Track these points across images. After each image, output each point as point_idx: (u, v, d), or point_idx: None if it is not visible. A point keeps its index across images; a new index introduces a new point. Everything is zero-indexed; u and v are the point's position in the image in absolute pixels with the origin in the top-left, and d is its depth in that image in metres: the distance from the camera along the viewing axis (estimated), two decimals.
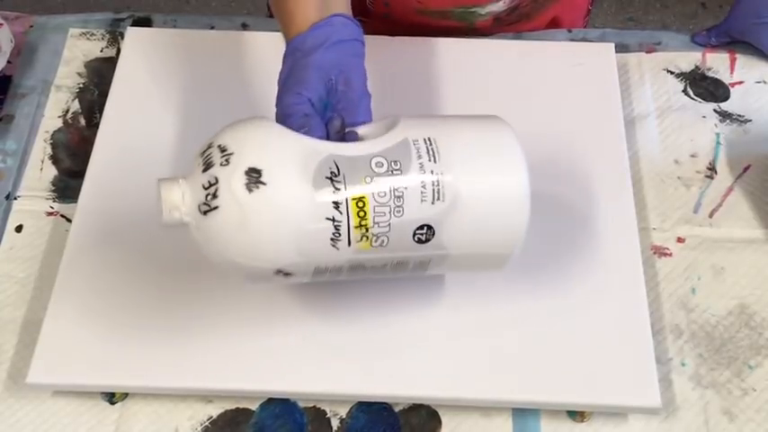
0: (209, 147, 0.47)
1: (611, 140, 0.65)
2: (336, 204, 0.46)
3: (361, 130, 0.50)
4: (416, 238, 0.48)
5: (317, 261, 0.47)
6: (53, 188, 0.66)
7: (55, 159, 0.68)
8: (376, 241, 0.47)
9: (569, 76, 0.69)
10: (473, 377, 0.55)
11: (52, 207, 0.65)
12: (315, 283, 0.50)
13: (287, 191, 0.45)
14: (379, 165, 0.47)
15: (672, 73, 0.72)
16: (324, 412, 0.56)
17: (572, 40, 0.74)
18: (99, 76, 0.72)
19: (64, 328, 0.57)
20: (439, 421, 0.56)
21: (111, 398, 0.57)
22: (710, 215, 0.64)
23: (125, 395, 0.57)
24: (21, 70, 0.73)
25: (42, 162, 0.68)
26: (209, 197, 0.45)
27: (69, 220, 0.64)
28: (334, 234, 0.46)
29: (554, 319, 0.57)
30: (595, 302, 0.58)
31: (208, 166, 0.46)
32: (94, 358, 0.56)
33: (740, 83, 0.71)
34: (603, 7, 1.75)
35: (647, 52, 0.73)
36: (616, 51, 0.71)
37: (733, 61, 0.72)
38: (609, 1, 1.76)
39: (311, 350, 0.56)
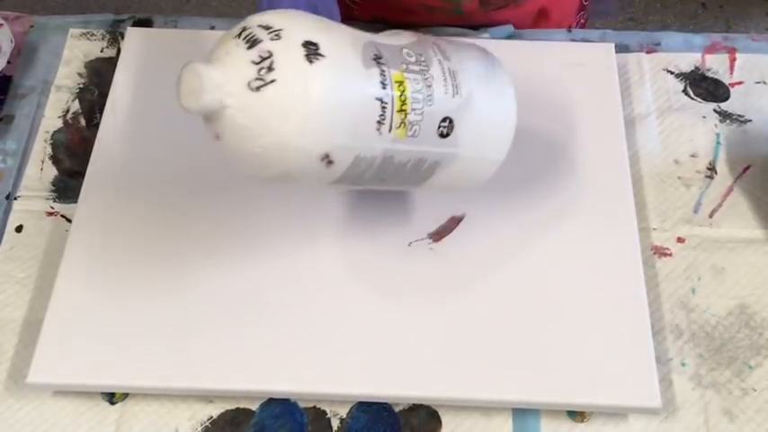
0: (245, 29, 0.45)
1: (611, 140, 0.65)
2: (384, 84, 0.46)
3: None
4: (440, 131, 0.49)
5: (360, 146, 0.47)
6: (53, 188, 0.66)
7: (55, 159, 0.68)
8: (410, 129, 0.47)
9: (569, 76, 0.69)
10: (473, 377, 0.55)
11: (52, 207, 0.65)
12: (338, 185, 0.49)
13: (345, 65, 0.45)
14: (410, 55, 0.48)
15: (672, 73, 0.72)
16: (324, 412, 0.56)
17: (572, 40, 0.74)
18: (99, 77, 0.72)
19: (64, 328, 0.57)
20: (439, 421, 0.56)
21: (111, 398, 0.57)
22: (710, 215, 0.64)
23: (125, 395, 0.57)
24: (21, 70, 0.73)
25: (42, 162, 0.68)
26: (262, 71, 0.43)
27: (69, 220, 0.64)
28: (380, 116, 0.46)
29: (554, 318, 0.57)
30: (595, 302, 0.58)
31: (253, 42, 0.44)
32: (94, 358, 0.56)
33: (740, 83, 0.71)
34: None
35: (647, 53, 0.73)
36: (616, 51, 0.71)
37: (733, 61, 0.72)
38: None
39: (311, 350, 0.56)
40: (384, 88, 0.46)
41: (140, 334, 0.57)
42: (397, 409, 0.56)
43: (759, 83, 0.71)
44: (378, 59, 0.46)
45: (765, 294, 0.61)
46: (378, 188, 0.52)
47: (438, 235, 0.61)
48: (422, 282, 0.59)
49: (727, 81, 0.71)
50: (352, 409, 0.56)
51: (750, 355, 0.58)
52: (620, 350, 0.56)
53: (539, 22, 0.79)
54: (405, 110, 0.47)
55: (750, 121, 0.69)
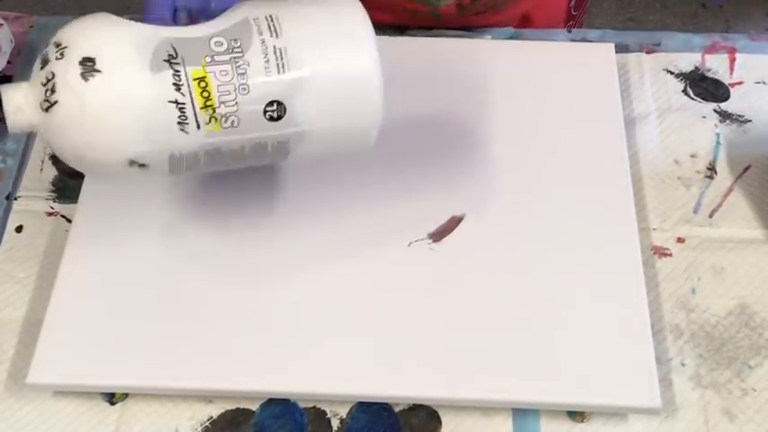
0: (48, 45, 0.47)
1: (611, 140, 0.65)
2: (177, 86, 0.46)
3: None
4: (268, 116, 0.48)
5: (169, 148, 0.47)
6: (53, 188, 0.66)
7: (55, 160, 0.68)
8: (226, 122, 0.47)
9: (569, 76, 0.69)
10: (473, 377, 0.55)
11: (52, 207, 0.65)
12: (177, 175, 0.50)
13: (123, 76, 0.46)
14: (219, 44, 0.47)
15: (672, 73, 0.72)
16: (324, 412, 0.56)
17: (572, 40, 0.74)
18: None
19: (64, 328, 0.57)
20: (439, 421, 0.56)
21: (111, 398, 0.57)
22: (710, 215, 0.64)
23: (125, 395, 0.57)
24: (21, 70, 0.73)
25: (42, 162, 0.68)
26: (47, 93, 0.45)
27: (69, 221, 0.64)
28: (180, 117, 0.46)
29: (554, 318, 0.57)
30: (595, 302, 0.58)
31: (44, 63, 0.46)
32: (94, 358, 0.56)
33: (740, 83, 0.71)
34: (603, 7, 1.75)
35: (647, 53, 0.73)
36: (616, 51, 0.71)
37: (732, 62, 0.72)
38: (609, 1, 1.76)
39: (312, 350, 0.56)
40: (179, 89, 0.46)
41: (140, 334, 0.57)
42: (397, 409, 0.56)
43: (759, 83, 0.71)
44: (171, 60, 0.46)
45: (765, 294, 0.61)
46: (240, 167, 0.51)
47: (438, 235, 0.61)
48: (422, 282, 0.59)
49: (727, 81, 0.72)
50: (352, 409, 0.56)
51: (750, 355, 0.58)
52: (620, 350, 0.56)
53: (522, 28, 0.78)
54: (211, 105, 0.46)
55: (750, 121, 0.69)
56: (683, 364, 0.58)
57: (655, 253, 0.63)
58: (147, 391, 0.56)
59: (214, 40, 0.47)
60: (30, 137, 0.69)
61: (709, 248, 0.63)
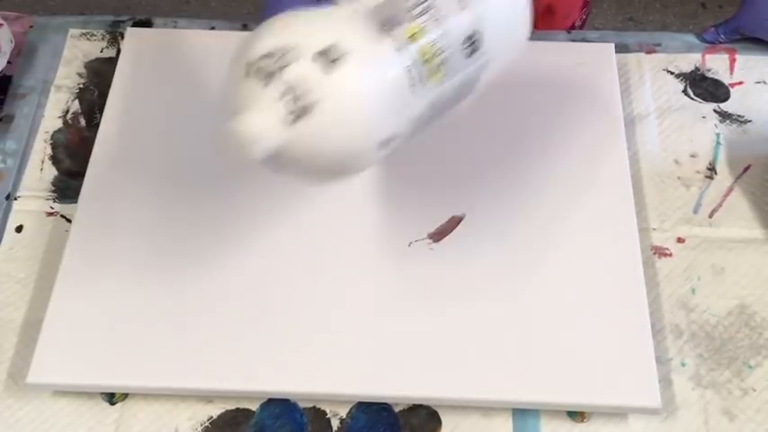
0: (250, 66, 0.43)
1: (611, 140, 0.65)
2: (399, 50, 0.44)
3: None
4: (467, 52, 0.47)
5: (406, 114, 0.46)
6: (53, 188, 0.66)
7: (55, 159, 0.68)
8: (440, 71, 0.46)
9: (569, 76, 0.69)
10: (473, 377, 0.55)
11: (52, 207, 0.65)
12: (396, 148, 0.48)
13: (359, 57, 0.43)
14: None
15: (672, 73, 0.72)
16: (324, 412, 0.56)
17: (572, 40, 0.74)
18: (99, 77, 0.72)
19: (64, 328, 0.57)
20: (439, 421, 0.56)
21: (111, 398, 0.57)
22: (710, 215, 0.64)
23: (125, 395, 0.57)
24: (21, 70, 0.73)
25: (42, 162, 0.68)
26: (292, 103, 0.42)
27: (69, 221, 0.64)
28: (410, 80, 0.45)
29: (554, 318, 0.57)
30: (595, 302, 0.58)
31: (267, 78, 0.42)
32: (94, 358, 0.56)
33: (740, 83, 0.71)
34: (603, 7, 1.75)
35: (646, 53, 0.73)
36: (616, 51, 0.71)
37: (733, 62, 0.72)
38: (609, 1, 1.76)
39: (311, 350, 0.56)
40: (401, 53, 0.44)
41: (140, 334, 0.57)
42: (396, 409, 0.56)
43: (759, 83, 0.71)
44: (382, 26, 0.44)
45: (765, 294, 0.61)
46: (437, 123, 0.50)
47: (438, 235, 0.61)
48: (422, 282, 0.59)
49: (727, 81, 0.72)
50: (351, 409, 0.56)
51: (750, 355, 0.58)
52: (620, 350, 0.56)
53: (545, 17, 0.79)
54: (427, 57, 0.45)
55: (750, 121, 0.69)
56: (683, 364, 0.58)
57: (655, 253, 0.63)
58: (147, 391, 0.56)
59: None
60: (30, 137, 0.69)
61: (709, 248, 0.63)
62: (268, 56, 0.42)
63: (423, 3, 0.46)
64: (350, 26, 0.44)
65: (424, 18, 0.45)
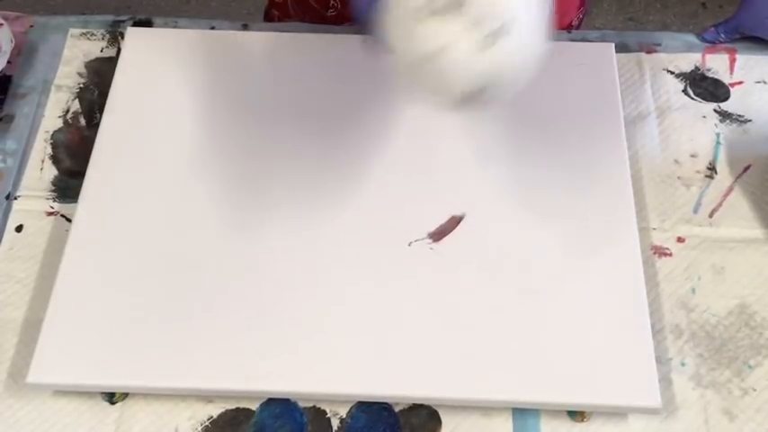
0: (420, 10, 0.43)
1: (611, 140, 0.65)
2: None
3: None
4: None
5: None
6: (53, 188, 0.66)
7: (55, 159, 0.68)
8: None
9: (569, 76, 0.69)
10: (473, 377, 0.55)
11: (52, 207, 0.65)
12: None
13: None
14: None
15: (672, 73, 0.72)
16: (324, 412, 0.56)
17: (572, 40, 0.74)
18: (99, 76, 0.72)
19: (64, 328, 0.57)
20: (439, 421, 0.56)
21: (112, 398, 0.57)
22: (710, 215, 0.64)
23: (125, 395, 0.57)
24: (21, 70, 0.73)
25: (42, 162, 0.68)
26: (486, 27, 0.42)
27: (69, 220, 0.64)
28: None
29: (554, 318, 0.57)
30: (595, 302, 0.58)
31: (452, 11, 0.42)
32: (94, 358, 0.56)
33: (740, 83, 0.71)
34: (603, 7, 1.75)
35: (647, 53, 0.73)
36: (616, 51, 0.71)
37: (733, 61, 0.72)
38: (609, 1, 1.76)
39: (311, 350, 0.56)
40: None
41: (140, 334, 0.57)
42: (397, 409, 0.56)
43: (759, 83, 0.71)
44: None
45: (765, 294, 0.61)
46: None
47: (438, 235, 0.61)
48: (422, 282, 0.59)
49: (727, 81, 0.71)
50: (352, 409, 0.56)
51: (750, 355, 0.58)
52: (620, 350, 0.56)
53: None
54: None
55: (750, 121, 0.69)
56: (682, 364, 0.58)
57: (655, 253, 0.63)
58: (147, 390, 0.56)
59: None
60: (30, 136, 0.69)
61: (709, 248, 0.63)
62: None
63: None
64: None
65: None
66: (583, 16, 0.87)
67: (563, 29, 0.81)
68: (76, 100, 0.71)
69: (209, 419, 0.56)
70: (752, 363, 0.58)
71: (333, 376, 0.55)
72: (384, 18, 0.45)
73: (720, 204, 0.65)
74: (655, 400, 0.54)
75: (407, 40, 0.44)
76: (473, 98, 0.45)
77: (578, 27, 0.87)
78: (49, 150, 0.68)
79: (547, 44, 0.46)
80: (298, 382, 0.55)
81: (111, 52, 0.74)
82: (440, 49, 0.42)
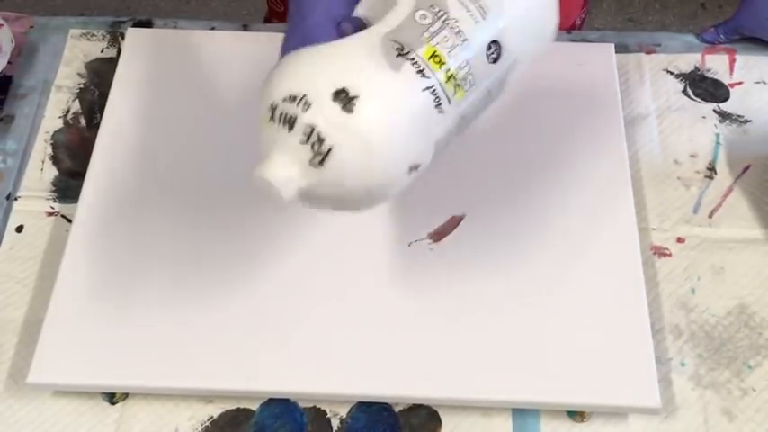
0: (274, 109, 0.43)
1: (611, 140, 0.65)
2: (421, 72, 0.44)
3: (359, 10, 0.48)
4: (491, 59, 0.47)
5: (434, 136, 0.46)
6: (53, 188, 0.66)
7: (55, 159, 0.68)
8: (465, 84, 0.46)
9: (569, 76, 0.69)
10: (473, 377, 0.55)
11: (52, 207, 0.65)
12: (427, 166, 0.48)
13: (380, 90, 0.43)
14: (424, 17, 0.45)
15: (671, 73, 0.72)
16: (324, 412, 0.56)
17: (572, 40, 0.74)
18: (99, 77, 0.72)
19: (64, 328, 0.57)
20: (439, 421, 0.56)
21: (112, 398, 0.57)
22: (710, 215, 0.65)
23: (125, 395, 0.57)
24: (21, 70, 0.73)
25: (43, 162, 0.68)
26: (314, 146, 0.42)
27: (70, 221, 0.64)
28: (435, 101, 0.44)
29: (554, 318, 0.57)
30: (595, 302, 0.58)
31: (291, 123, 0.42)
32: (95, 358, 0.56)
33: (740, 83, 0.71)
34: (603, 7, 1.75)
35: (646, 53, 0.73)
36: (616, 51, 0.71)
37: (732, 62, 0.73)
38: (609, 1, 1.76)
39: (311, 350, 0.56)
40: (423, 75, 0.44)
41: (140, 334, 0.57)
42: (397, 409, 0.56)
43: (759, 83, 0.71)
44: (401, 52, 0.44)
45: (765, 294, 0.61)
46: (466, 129, 0.50)
47: (438, 235, 0.61)
48: (422, 282, 0.59)
49: (726, 81, 0.72)
50: (352, 409, 0.57)
51: (749, 355, 0.58)
52: (620, 350, 0.56)
53: None
54: (451, 74, 0.45)
55: (750, 121, 0.69)
56: (682, 364, 0.58)
57: (654, 253, 0.63)
58: (147, 391, 0.56)
59: (417, 15, 0.45)
60: (30, 137, 0.69)
61: (708, 248, 0.63)
62: (289, 99, 0.42)
63: (439, 19, 0.45)
64: (366, 58, 0.44)
65: (442, 35, 0.45)
66: (585, 17, 0.88)
67: (565, 30, 0.81)
68: (77, 100, 0.71)
69: (209, 419, 0.56)
70: (751, 363, 0.58)
71: (333, 376, 0.55)
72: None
73: (720, 205, 0.65)
74: (654, 400, 0.54)
75: (259, 132, 0.45)
76: (307, 205, 0.46)
77: (580, 27, 0.87)
78: (50, 151, 0.68)
79: (409, 175, 0.45)
80: (298, 382, 0.55)
81: (111, 53, 0.74)
82: (267, 155, 0.43)
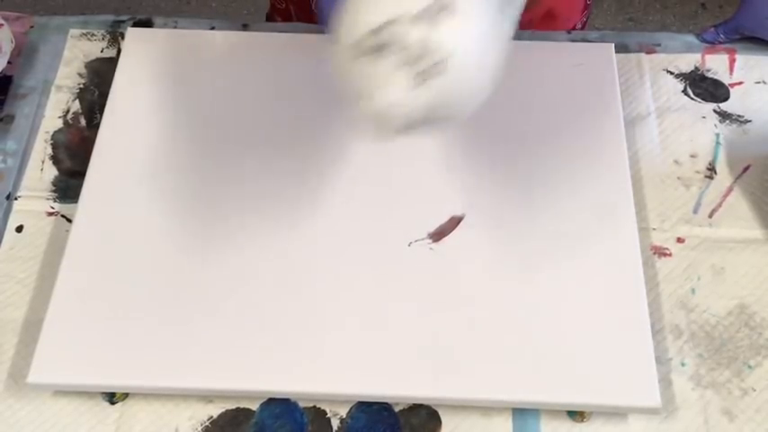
0: (357, 46, 0.43)
1: (611, 140, 0.65)
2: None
3: None
4: None
5: (503, 37, 0.46)
6: (53, 188, 0.66)
7: (55, 159, 0.68)
8: None
9: (569, 76, 0.69)
10: (473, 377, 0.55)
11: (53, 207, 0.65)
12: None
13: (472, 11, 0.43)
14: None
15: (671, 73, 0.72)
16: (324, 412, 0.56)
17: (572, 40, 0.74)
18: (99, 77, 0.72)
19: (64, 328, 0.57)
20: (439, 421, 0.56)
21: (112, 398, 0.57)
22: (710, 215, 0.65)
23: (125, 395, 0.57)
24: (21, 70, 0.73)
25: (43, 162, 0.68)
26: (414, 67, 0.42)
27: (69, 221, 0.64)
28: (500, 2, 0.45)
29: (554, 318, 0.57)
30: (595, 302, 0.58)
31: (382, 52, 0.42)
32: (95, 358, 0.56)
33: (740, 83, 0.71)
34: (603, 7, 1.75)
35: (646, 53, 0.73)
36: (616, 51, 0.71)
37: (732, 62, 0.73)
38: (609, 1, 1.76)
39: (311, 350, 0.56)
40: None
41: (141, 334, 0.57)
42: (397, 409, 0.56)
43: (759, 83, 0.71)
44: None
45: (765, 294, 0.61)
46: None
47: (438, 235, 0.61)
48: (422, 282, 0.59)
49: (726, 81, 0.72)
50: (352, 409, 0.57)
51: (750, 355, 0.58)
52: (620, 350, 0.56)
53: (546, 22, 0.79)
54: None
55: (750, 121, 0.69)
56: (682, 364, 0.58)
57: (655, 253, 0.63)
58: (147, 391, 0.57)
59: None
60: (30, 137, 0.69)
61: (708, 248, 0.63)
62: (373, 32, 0.42)
63: None
64: None
65: None
66: (587, 20, 0.87)
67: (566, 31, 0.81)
68: (77, 100, 0.71)
69: (209, 419, 0.56)
70: (751, 363, 0.58)
71: (333, 376, 0.55)
72: (331, 48, 0.46)
73: (720, 205, 0.65)
74: (654, 400, 0.54)
75: (343, 75, 0.45)
76: (413, 129, 0.46)
77: (582, 30, 0.87)
78: (50, 151, 0.68)
79: (497, 71, 0.46)
80: (298, 382, 0.55)
81: (111, 53, 0.74)
82: (371, 89, 0.43)
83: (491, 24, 0.44)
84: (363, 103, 0.43)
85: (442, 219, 0.62)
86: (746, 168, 0.67)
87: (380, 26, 0.42)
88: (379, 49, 0.42)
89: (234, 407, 0.57)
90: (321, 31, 0.73)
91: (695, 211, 0.65)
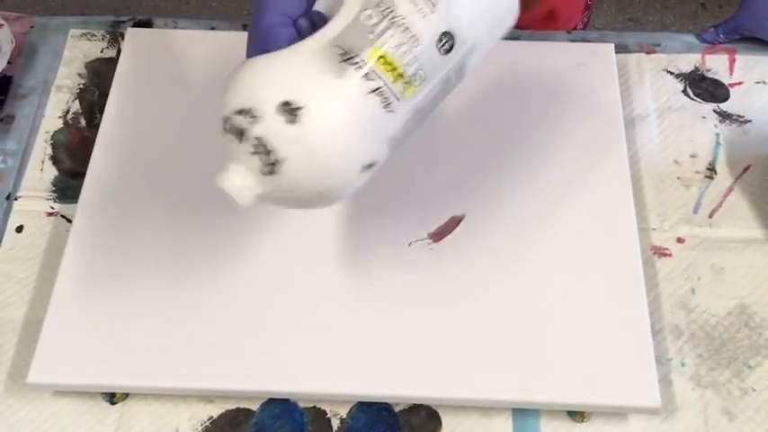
0: (226, 120, 0.45)
1: (611, 140, 0.65)
2: (366, 76, 0.44)
3: (318, 6, 0.49)
4: (443, 51, 0.47)
5: (385, 134, 0.46)
6: (53, 188, 0.66)
7: (55, 160, 0.68)
8: (416, 79, 0.46)
9: (569, 76, 0.69)
10: (473, 377, 0.55)
11: (52, 207, 0.65)
12: (392, 155, 0.49)
13: (323, 99, 0.44)
14: (369, 17, 0.45)
15: (671, 73, 0.72)
16: (324, 412, 0.56)
17: (572, 40, 0.74)
18: (99, 77, 0.72)
19: (64, 328, 0.57)
20: (439, 421, 0.56)
21: (112, 398, 0.57)
22: (710, 215, 0.65)
23: (125, 395, 0.57)
24: (21, 71, 0.73)
25: (43, 162, 0.68)
26: (263, 157, 0.43)
27: (69, 221, 0.64)
28: (383, 101, 0.45)
29: (554, 318, 0.57)
30: (595, 302, 0.58)
31: (239, 134, 0.44)
32: (95, 358, 0.56)
33: (740, 83, 0.71)
34: (603, 7, 1.75)
35: (646, 53, 0.73)
36: (616, 51, 0.71)
37: (732, 62, 0.73)
38: (609, 1, 1.76)
39: (311, 350, 0.56)
40: (369, 78, 0.44)
41: (140, 334, 0.57)
42: (397, 409, 0.56)
43: (759, 83, 0.71)
44: (345, 57, 0.45)
45: (765, 294, 0.61)
46: (430, 114, 0.50)
47: (438, 235, 0.61)
48: (422, 282, 0.59)
49: (726, 81, 0.72)
50: (352, 409, 0.57)
51: (749, 355, 0.58)
52: (620, 350, 0.56)
53: (547, 22, 0.79)
54: (399, 73, 0.45)
55: (750, 121, 0.69)
56: (682, 364, 0.58)
57: (654, 253, 0.63)
58: (147, 391, 0.57)
59: (363, 16, 0.45)
60: (30, 137, 0.69)
61: (708, 248, 0.63)
62: (239, 112, 0.44)
63: (385, 18, 0.45)
64: (310, 68, 0.44)
65: (388, 34, 0.45)
66: (588, 20, 0.87)
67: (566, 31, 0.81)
68: (77, 100, 0.71)
69: (209, 419, 0.56)
70: (751, 363, 0.58)
71: (333, 376, 0.55)
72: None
73: (720, 205, 0.65)
74: (654, 400, 0.54)
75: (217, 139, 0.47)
76: (270, 207, 0.48)
77: (583, 30, 0.87)
78: (50, 151, 0.68)
79: (376, 144, 0.46)
80: (298, 382, 0.55)
81: (111, 53, 0.74)
82: (225, 165, 0.45)
83: (361, 122, 0.45)
84: (217, 176, 0.44)
85: (442, 219, 0.62)
86: (746, 168, 0.67)
87: (242, 107, 0.44)
88: (239, 132, 0.44)
89: (234, 407, 0.57)
90: None
91: (695, 211, 0.65)
